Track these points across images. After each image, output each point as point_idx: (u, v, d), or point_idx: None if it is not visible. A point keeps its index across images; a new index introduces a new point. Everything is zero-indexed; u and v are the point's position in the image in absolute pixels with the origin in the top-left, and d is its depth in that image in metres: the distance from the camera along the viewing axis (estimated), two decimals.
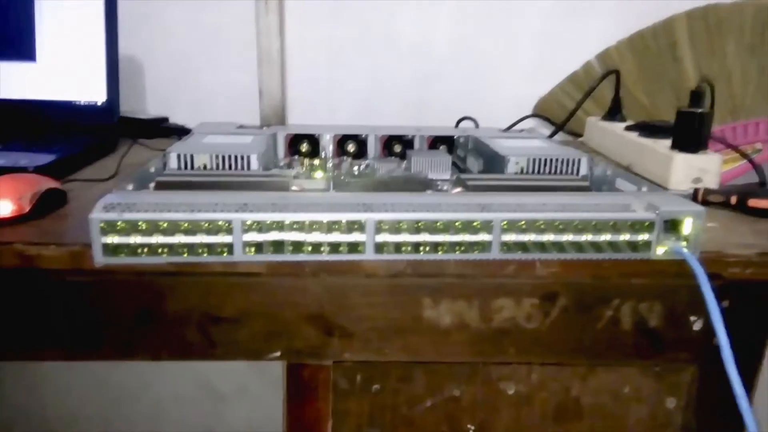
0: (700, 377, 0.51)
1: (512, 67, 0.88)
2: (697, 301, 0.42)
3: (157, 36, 0.87)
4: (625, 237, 0.41)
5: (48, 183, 0.49)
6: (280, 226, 0.40)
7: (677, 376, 0.52)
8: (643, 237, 0.41)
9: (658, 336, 0.49)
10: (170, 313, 0.47)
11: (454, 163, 0.61)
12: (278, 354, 0.49)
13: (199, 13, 0.86)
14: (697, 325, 0.49)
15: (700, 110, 0.57)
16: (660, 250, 0.42)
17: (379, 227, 0.40)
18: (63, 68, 0.72)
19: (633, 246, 0.41)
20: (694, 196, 0.54)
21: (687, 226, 0.41)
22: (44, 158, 0.58)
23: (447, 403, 0.52)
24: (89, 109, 0.73)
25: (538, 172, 0.55)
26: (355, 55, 0.88)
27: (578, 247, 0.41)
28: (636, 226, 0.41)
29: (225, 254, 0.40)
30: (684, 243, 0.42)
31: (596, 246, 0.41)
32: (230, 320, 0.48)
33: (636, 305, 0.48)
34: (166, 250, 0.39)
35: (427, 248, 0.41)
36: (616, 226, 0.41)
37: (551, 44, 0.87)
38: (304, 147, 0.68)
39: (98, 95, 0.72)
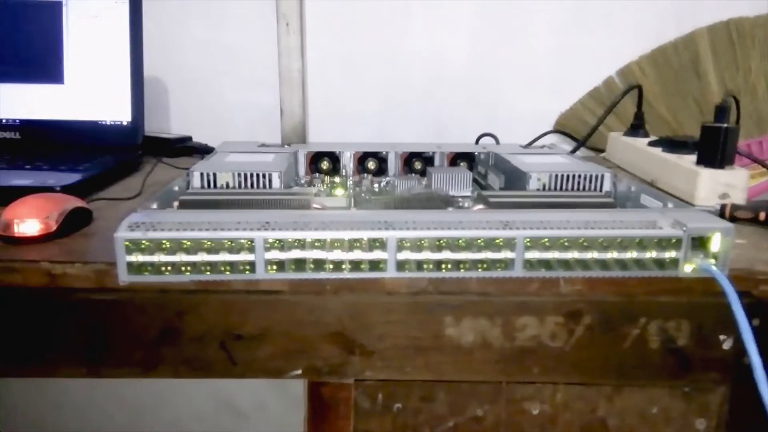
0: (730, 398, 0.50)
1: (531, 83, 0.88)
2: (727, 319, 0.41)
3: (180, 57, 0.89)
4: (651, 254, 0.40)
5: (74, 202, 0.50)
6: (301, 245, 0.40)
7: (707, 397, 0.50)
8: (671, 254, 0.40)
9: (687, 355, 0.48)
10: (192, 330, 0.47)
11: (474, 180, 0.61)
12: (299, 372, 0.49)
13: (221, 35, 0.88)
14: (727, 344, 0.47)
15: (725, 125, 0.57)
16: (688, 268, 0.41)
17: (400, 245, 0.40)
18: (90, 90, 0.74)
19: (660, 264, 0.41)
20: (721, 213, 0.53)
21: (715, 243, 0.40)
22: (70, 178, 0.59)
23: (470, 423, 0.51)
24: (114, 129, 0.74)
25: (561, 188, 0.55)
26: (374, 73, 0.89)
27: (603, 264, 0.40)
28: (663, 243, 0.40)
29: (247, 272, 0.40)
30: (712, 260, 0.41)
31: (622, 263, 0.41)
32: (251, 338, 0.48)
33: (663, 324, 0.47)
34: (189, 268, 0.40)
35: (449, 266, 0.40)
36: (642, 243, 0.40)
37: (570, 59, 0.87)
38: (325, 165, 0.68)
39: (123, 115, 0.74)
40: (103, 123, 0.74)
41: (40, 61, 0.74)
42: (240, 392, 0.57)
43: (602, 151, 0.81)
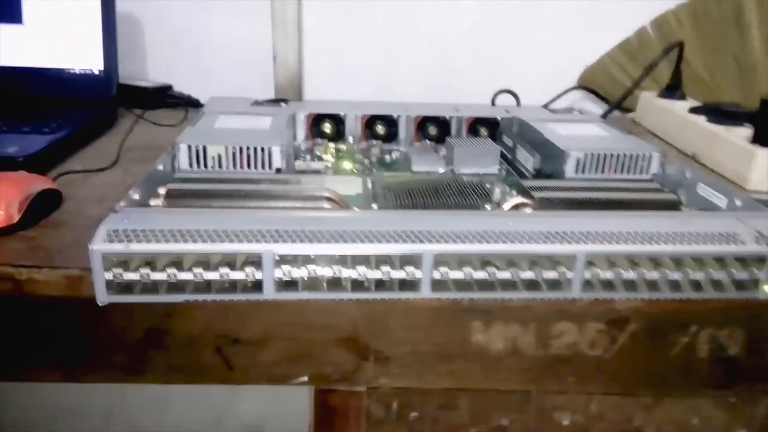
0: None
1: (552, 32, 0.79)
2: None
3: None
4: (731, 273, 0.34)
5: (40, 183, 0.42)
6: (317, 260, 0.33)
7: (752, 408, 0.46)
8: (752, 274, 0.34)
9: (737, 365, 0.44)
10: (184, 335, 0.41)
11: (501, 153, 0.53)
12: (305, 378, 0.44)
13: None
14: None
15: None
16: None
17: (437, 261, 0.33)
18: (54, 31, 0.63)
19: (738, 284, 0.35)
20: None
21: None
22: (34, 143, 0.50)
23: None
24: (84, 79, 0.64)
25: (603, 169, 0.48)
26: (380, 20, 0.79)
27: (674, 285, 0.34)
28: (745, 262, 0.34)
29: (252, 290, 0.33)
30: None
31: (695, 284, 0.35)
32: (254, 342, 0.42)
33: (715, 332, 0.42)
34: (182, 286, 0.33)
35: (494, 284, 0.34)
36: (722, 262, 0.34)
37: (597, 6, 0.78)
38: (328, 128, 0.60)
39: (94, 62, 0.64)
40: (71, 71, 0.64)
41: None
42: (241, 400, 0.52)
43: (629, 110, 0.73)
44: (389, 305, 0.40)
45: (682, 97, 0.67)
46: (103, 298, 0.32)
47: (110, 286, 0.32)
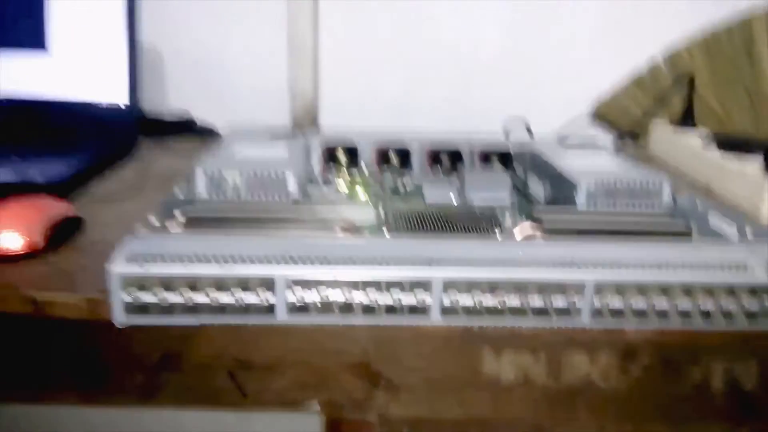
0: None
1: (566, 64, 0.80)
2: None
3: (179, 24, 0.80)
4: (741, 305, 0.34)
5: (62, 209, 0.44)
6: (329, 284, 0.34)
7: None
8: (763, 305, 0.34)
9: (752, 398, 0.43)
10: (196, 358, 0.41)
11: (513, 184, 0.54)
12: (316, 406, 0.44)
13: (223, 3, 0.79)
14: None
15: None
16: None
17: (447, 287, 0.34)
18: (79, 62, 0.66)
19: (751, 316, 0.35)
20: None
21: None
22: (58, 171, 0.52)
23: None
24: (108, 109, 0.66)
25: (614, 199, 0.48)
26: (394, 51, 0.81)
27: (684, 315, 0.35)
28: (756, 293, 0.34)
29: (265, 313, 0.34)
30: None
31: (705, 315, 0.35)
32: (264, 367, 0.42)
33: (730, 365, 0.42)
34: (197, 308, 0.34)
35: (503, 311, 0.34)
36: (733, 292, 0.34)
37: (610, 38, 0.79)
38: (342, 157, 0.62)
39: (118, 93, 0.66)
40: (95, 102, 0.66)
41: (19, 22, 0.65)
42: (251, 427, 0.52)
43: (643, 141, 0.74)
44: (400, 332, 0.41)
45: (695, 128, 0.67)
46: (121, 319, 0.33)
47: (128, 307, 0.33)
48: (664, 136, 0.69)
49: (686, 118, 0.67)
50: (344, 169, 0.60)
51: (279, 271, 0.33)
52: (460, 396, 0.43)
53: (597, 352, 0.41)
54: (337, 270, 0.33)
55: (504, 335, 0.41)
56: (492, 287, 0.34)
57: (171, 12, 0.79)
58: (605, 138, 0.74)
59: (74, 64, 0.66)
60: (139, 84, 0.66)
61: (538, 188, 0.54)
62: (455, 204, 0.51)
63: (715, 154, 0.59)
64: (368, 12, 0.80)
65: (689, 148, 0.63)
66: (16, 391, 0.43)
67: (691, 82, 0.65)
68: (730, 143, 0.59)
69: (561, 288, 0.34)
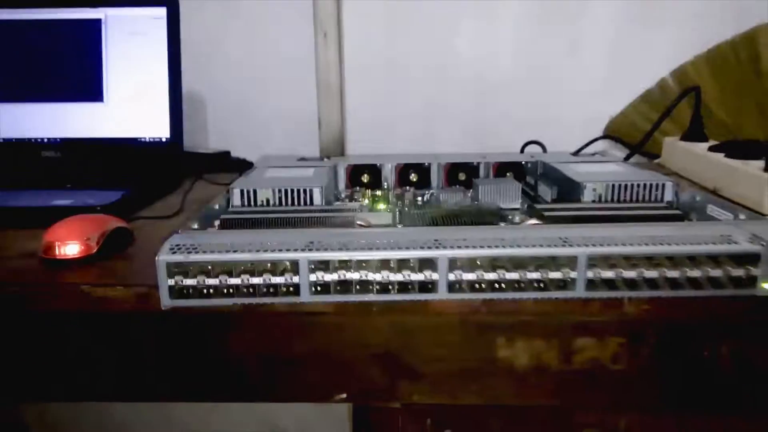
0: None
1: (579, 86, 0.85)
2: None
3: (218, 71, 0.88)
4: (726, 271, 0.37)
5: (115, 222, 0.49)
6: (347, 266, 0.38)
7: None
8: (748, 271, 0.37)
9: (762, 380, 0.44)
10: (234, 353, 0.45)
11: (524, 191, 0.58)
12: (344, 396, 0.47)
13: (258, 48, 0.87)
14: None
15: None
16: (767, 285, 0.37)
17: (452, 265, 0.37)
18: (129, 107, 0.73)
19: (736, 281, 0.37)
20: None
21: None
22: (110, 197, 0.58)
23: None
24: (154, 147, 0.74)
25: (618, 199, 0.51)
26: (414, 82, 0.87)
27: (673, 283, 0.37)
28: (739, 259, 0.37)
29: (291, 294, 0.38)
30: None
31: (694, 282, 0.37)
32: (296, 361, 0.46)
33: (736, 346, 0.44)
34: (232, 290, 0.38)
35: (504, 286, 0.38)
36: (717, 260, 0.37)
37: (621, 61, 0.83)
38: (366, 178, 0.66)
39: (162, 133, 0.73)
40: (143, 140, 0.73)
41: (81, 80, 0.74)
42: (283, 414, 0.56)
43: (657, 156, 0.76)
44: (418, 321, 0.44)
45: (705, 140, 0.70)
46: (166, 302, 0.38)
47: (172, 292, 0.38)
48: (674, 148, 0.72)
49: (695, 131, 0.70)
50: (368, 188, 0.65)
51: (302, 255, 0.37)
52: (478, 383, 0.46)
53: (605, 336, 0.44)
54: (353, 253, 0.37)
55: (517, 323, 0.44)
56: (493, 264, 0.38)
57: (213, 62, 0.87)
58: (617, 153, 0.77)
59: (125, 109, 0.73)
60: (181, 124, 0.73)
61: (546, 193, 0.57)
62: (466, 206, 0.55)
63: (720, 158, 0.61)
64: (388, 48, 0.86)
65: (696, 155, 0.66)
66: (61, 390, 0.47)
67: (698, 95, 0.68)
68: (736, 149, 0.62)
69: (556, 263, 0.37)
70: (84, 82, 0.74)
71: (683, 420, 0.47)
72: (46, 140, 0.73)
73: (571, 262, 0.37)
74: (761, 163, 0.56)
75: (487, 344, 0.45)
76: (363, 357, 0.46)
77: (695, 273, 0.37)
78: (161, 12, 0.72)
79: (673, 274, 0.37)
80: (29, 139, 0.74)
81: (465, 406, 0.47)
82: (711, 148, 0.65)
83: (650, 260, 0.37)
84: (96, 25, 0.73)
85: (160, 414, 0.56)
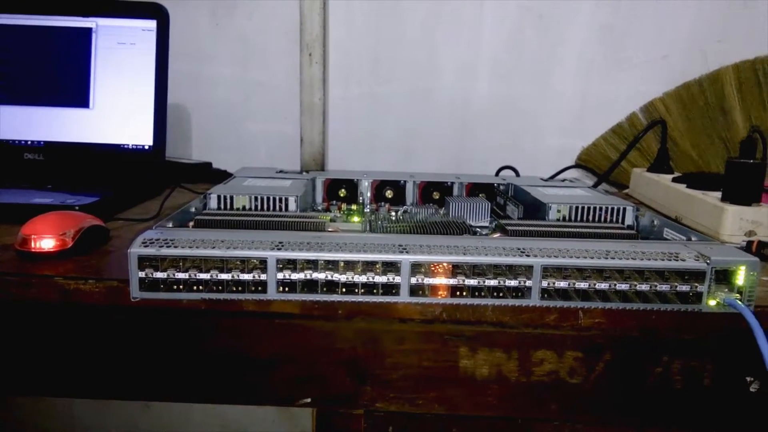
0: None
1: (553, 118, 0.88)
2: (754, 360, 0.39)
3: (205, 85, 0.90)
4: (674, 287, 0.39)
5: (91, 221, 0.50)
6: (313, 266, 0.39)
7: None
8: (694, 287, 0.39)
9: (711, 397, 0.46)
10: (201, 355, 0.46)
11: (493, 210, 0.60)
12: (309, 400, 0.48)
13: (244, 66, 0.89)
14: (754, 386, 0.45)
15: (751, 161, 0.55)
16: (712, 302, 0.39)
17: (414, 269, 0.39)
18: (115, 115, 0.75)
19: (683, 297, 0.39)
20: (747, 249, 0.51)
21: (741, 277, 0.39)
22: (90, 198, 0.59)
23: None
24: (137, 153, 0.75)
25: (582, 220, 0.54)
26: (395, 107, 0.89)
27: (623, 296, 0.39)
28: (686, 276, 0.39)
29: (259, 292, 0.39)
30: (737, 295, 0.39)
31: (643, 296, 0.39)
32: (262, 364, 0.47)
33: (687, 363, 0.46)
34: (201, 285, 0.39)
35: (464, 293, 0.39)
36: (664, 276, 0.39)
37: (594, 96, 0.87)
38: (343, 192, 0.68)
39: (146, 140, 0.75)
40: (126, 147, 0.75)
41: (68, 86, 0.75)
42: (246, 419, 0.56)
43: (625, 186, 0.79)
44: (383, 327, 0.45)
45: (670, 171, 0.73)
46: (135, 293, 0.39)
47: (142, 283, 0.39)
48: (641, 179, 0.75)
49: (661, 163, 0.73)
50: (344, 202, 0.67)
51: (271, 254, 0.39)
52: (439, 392, 0.47)
53: (563, 349, 0.45)
54: (321, 254, 0.39)
55: (478, 334, 0.45)
56: (454, 271, 0.39)
57: (200, 78, 0.90)
58: (587, 182, 0.79)
59: (110, 116, 0.75)
60: (165, 133, 0.75)
61: (514, 212, 0.59)
62: (436, 220, 0.57)
63: (682, 189, 0.64)
64: (372, 78, 0.89)
65: (661, 186, 0.69)
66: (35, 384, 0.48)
67: (664, 129, 0.71)
68: (697, 180, 0.64)
69: (514, 272, 0.39)
70: (72, 88, 0.75)
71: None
72: (30, 143, 0.75)
73: (527, 271, 0.39)
74: (719, 194, 0.59)
75: (449, 354, 0.46)
76: (329, 362, 0.47)
77: (644, 287, 0.39)
78: (151, 24, 0.74)
79: (622, 286, 0.39)
80: (12, 141, 0.75)
81: (427, 416, 0.49)
82: (674, 179, 0.68)
83: (601, 273, 0.39)
84: (87, 33, 0.75)
85: (123, 418, 0.57)
